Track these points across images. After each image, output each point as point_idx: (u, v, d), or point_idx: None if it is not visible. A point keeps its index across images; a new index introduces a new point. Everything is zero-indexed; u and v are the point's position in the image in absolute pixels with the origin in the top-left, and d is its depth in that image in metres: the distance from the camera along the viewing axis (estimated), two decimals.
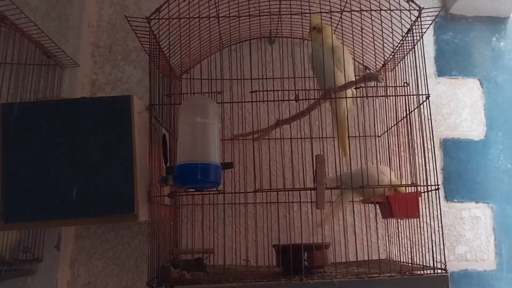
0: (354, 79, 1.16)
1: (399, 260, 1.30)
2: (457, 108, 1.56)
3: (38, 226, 1.21)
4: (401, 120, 1.26)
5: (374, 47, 1.23)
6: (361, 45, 1.22)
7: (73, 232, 1.41)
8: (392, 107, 1.33)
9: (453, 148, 1.53)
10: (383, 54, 1.26)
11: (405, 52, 1.30)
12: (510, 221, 1.49)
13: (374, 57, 1.32)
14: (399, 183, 1.18)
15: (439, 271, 1.04)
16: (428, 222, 1.13)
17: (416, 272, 1.06)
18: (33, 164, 1.00)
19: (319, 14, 1.17)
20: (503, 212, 1.49)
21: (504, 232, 1.48)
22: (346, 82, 1.14)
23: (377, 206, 1.31)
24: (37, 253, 1.33)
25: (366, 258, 1.35)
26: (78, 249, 1.41)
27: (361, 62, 1.49)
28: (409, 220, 1.22)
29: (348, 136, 1.18)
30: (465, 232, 1.48)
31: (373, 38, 1.20)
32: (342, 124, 1.20)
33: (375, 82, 1.15)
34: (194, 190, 1.10)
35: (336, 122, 1.22)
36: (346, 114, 1.20)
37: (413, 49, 1.22)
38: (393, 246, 1.36)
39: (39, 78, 1.43)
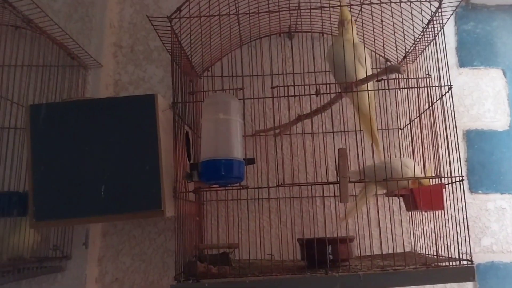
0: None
1: (424, 252, 1.30)
2: (480, 98, 1.55)
3: (67, 223, 1.24)
4: (423, 112, 1.26)
5: (395, 39, 1.23)
6: (381, 37, 1.22)
7: (101, 229, 1.44)
8: (414, 99, 1.32)
9: (476, 139, 1.52)
10: (404, 46, 1.25)
11: (426, 44, 1.29)
12: None
13: (395, 49, 1.31)
14: (423, 175, 1.17)
15: (465, 262, 1.04)
16: (453, 214, 1.12)
17: (441, 263, 1.05)
18: (61, 163, 1.03)
19: (339, 7, 1.18)
20: None
21: None
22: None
23: (401, 199, 1.31)
24: (66, 251, 1.36)
25: (391, 252, 1.35)
26: (105, 246, 1.44)
27: (382, 54, 1.48)
28: (434, 212, 1.21)
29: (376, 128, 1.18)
30: (490, 224, 1.47)
31: (394, 30, 1.20)
32: (367, 117, 1.20)
33: (397, 74, 1.15)
34: (218, 186, 1.12)
35: (359, 116, 1.22)
36: (369, 107, 1.20)
37: (434, 40, 1.22)
38: (418, 238, 1.36)
39: (64, 79, 1.46)
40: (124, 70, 1.57)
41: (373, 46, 1.38)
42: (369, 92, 1.17)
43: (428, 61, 1.26)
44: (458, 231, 1.09)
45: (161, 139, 1.04)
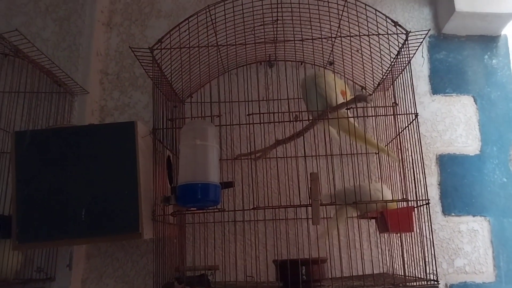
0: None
1: (394, 273, 1.34)
2: (452, 124, 1.61)
3: (49, 245, 1.27)
4: (394, 139, 1.32)
5: (363, 70, 1.30)
6: (357, 66, 1.29)
7: (84, 251, 1.47)
8: (385, 126, 1.38)
9: (449, 163, 1.58)
10: (372, 76, 1.32)
11: (398, 73, 1.35)
12: (507, 233, 1.52)
13: (366, 78, 1.38)
14: (392, 199, 1.22)
15: (431, 282, 1.09)
16: (424, 235, 1.18)
17: (409, 283, 1.10)
18: (44, 187, 1.08)
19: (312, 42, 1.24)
20: (500, 225, 1.53)
21: (502, 245, 1.51)
22: (336, 104, 1.21)
23: (373, 221, 1.36)
24: (50, 272, 1.39)
25: (361, 273, 1.39)
26: (89, 268, 1.47)
27: (358, 82, 1.55)
28: (405, 234, 1.27)
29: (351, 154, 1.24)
30: (463, 245, 1.51)
31: (362, 61, 1.27)
32: (358, 136, 1.27)
33: (365, 103, 1.21)
34: (196, 208, 1.16)
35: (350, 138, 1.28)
36: (353, 127, 1.25)
37: (403, 70, 1.28)
38: (389, 260, 1.40)
39: (51, 105, 1.52)
40: (110, 96, 1.62)
41: (351, 75, 1.45)
42: (340, 119, 1.22)
43: (400, 89, 1.32)
44: (428, 251, 1.14)
45: (140, 164, 1.09)
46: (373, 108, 1.27)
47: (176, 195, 1.10)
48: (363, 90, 1.57)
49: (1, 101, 1.41)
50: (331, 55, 1.46)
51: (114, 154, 1.09)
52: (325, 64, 1.51)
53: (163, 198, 1.11)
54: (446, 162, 1.58)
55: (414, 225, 1.20)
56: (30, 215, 1.06)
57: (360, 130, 1.31)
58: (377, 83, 1.49)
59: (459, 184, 1.56)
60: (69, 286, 1.40)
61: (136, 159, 1.08)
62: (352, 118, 1.29)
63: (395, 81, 1.39)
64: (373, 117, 1.26)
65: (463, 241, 1.52)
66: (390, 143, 1.35)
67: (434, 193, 1.54)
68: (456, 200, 1.55)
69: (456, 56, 1.67)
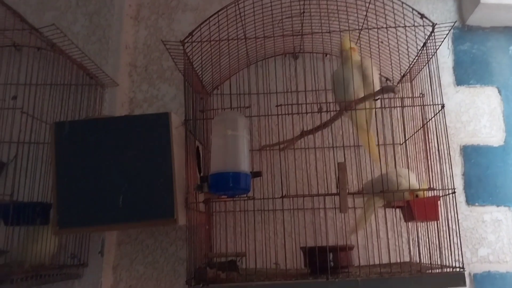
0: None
1: (420, 262, 1.37)
2: (476, 115, 1.62)
3: (88, 231, 1.32)
4: (419, 129, 1.34)
5: (391, 61, 1.31)
6: (381, 58, 1.30)
7: (116, 238, 1.53)
8: (411, 116, 1.40)
9: (473, 154, 1.59)
10: (399, 67, 1.33)
11: (422, 65, 1.37)
12: None
13: (392, 70, 1.40)
14: (419, 188, 1.25)
15: (457, 269, 1.11)
16: (449, 224, 1.20)
17: (435, 271, 1.13)
18: (83, 175, 1.12)
19: (340, 32, 1.27)
20: None
21: None
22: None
23: (397, 210, 1.38)
24: (83, 259, 1.44)
25: (388, 262, 1.42)
26: (120, 255, 1.52)
27: (384, 74, 1.57)
28: (430, 223, 1.29)
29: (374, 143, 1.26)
30: (487, 235, 1.53)
31: (389, 53, 1.29)
32: (365, 133, 1.29)
33: (393, 94, 1.23)
34: (226, 196, 1.20)
35: (357, 132, 1.30)
36: (368, 124, 1.28)
37: (429, 62, 1.30)
38: (415, 249, 1.42)
39: (82, 97, 1.56)
40: (139, 89, 1.67)
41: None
42: (367, 110, 1.25)
43: (425, 80, 1.34)
44: (453, 240, 1.17)
45: (174, 154, 1.13)
46: (399, 99, 1.29)
47: (208, 183, 1.14)
48: (388, 81, 1.58)
49: (34, 93, 1.45)
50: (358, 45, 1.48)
51: (150, 144, 1.13)
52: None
53: (197, 185, 1.15)
54: (470, 153, 1.59)
55: (440, 214, 1.22)
56: (70, 202, 1.11)
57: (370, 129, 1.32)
58: (401, 74, 1.51)
59: (483, 175, 1.57)
60: (101, 272, 1.45)
61: (171, 148, 1.12)
62: (370, 114, 1.31)
63: (419, 73, 1.41)
64: (400, 108, 1.28)
65: (487, 231, 1.53)
66: (417, 133, 1.36)
67: (458, 184, 1.55)
68: (480, 190, 1.56)
69: (480, 47, 1.68)
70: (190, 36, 1.24)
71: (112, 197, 1.10)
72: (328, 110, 1.30)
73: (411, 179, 1.25)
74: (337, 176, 1.16)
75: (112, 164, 1.12)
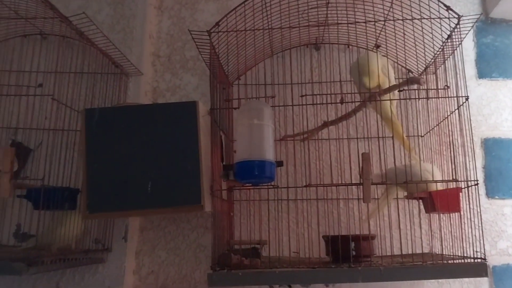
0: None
1: (441, 253, 1.38)
2: (498, 108, 1.62)
3: (117, 216, 1.35)
4: (442, 121, 1.34)
5: (416, 52, 1.32)
6: (404, 50, 1.31)
7: (139, 225, 1.56)
8: (434, 108, 1.41)
9: (494, 147, 1.59)
10: (424, 58, 1.34)
11: (446, 57, 1.37)
12: None
13: (416, 61, 1.40)
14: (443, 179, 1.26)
15: (479, 260, 1.12)
16: (469, 217, 1.21)
17: (456, 261, 1.14)
18: (112, 161, 1.15)
19: (364, 24, 1.27)
20: None
21: None
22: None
23: (421, 202, 1.39)
24: (107, 244, 1.47)
25: (410, 252, 1.43)
26: (143, 241, 1.55)
27: (405, 66, 1.57)
28: (451, 215, 1.30)
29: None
30: (506, 228, 1.53)
31: (415, 44, 1.29)
32: (390, 123, 1.30)
33: (417, 85, 1.24)
34: (250, 184, 1.22)
35: (384, 123, 1.32)
36: (391, 114, 1.29)
37: (453, 54, 1.30)
38: (436, 240, 1.43)
39: (107, 85, 1.59)
40: (162, 78, 1.69)
41: (396, 58, 1.47)
42: (391, 101, 1.26)
43: (448, 72, 1.34)
44: (474, 232, 1.18)
45: (201, 142, 1.15)
46: (424, 91, 1.29)
47: (233, 171, 1.16)
48: (410, 73, 1.59)
49: (61, 81, 1.48)
50: (379, 38, 1.49)
51: (177, 131, 1.15)
52: (372, 47, 1.54)
53: (223, 173, 1.17)
54: (491, 146, 1.59)
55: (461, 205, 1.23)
56: (99, 187, 1.14)
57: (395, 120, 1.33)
58: (424, 66, 1.51)
59: (504, 168, 1.57)
60: (125, 257, 1.48)
61: (198, 136, 1.14)
62: (394, 104, 1.32)
63: (442, 65, 1.41)
64: (424, 100, 1.29)
65: (506, 224, 1.53)
66: (439, 125, 1.37)
67: (478, 176, 1.55)
68: (501, 183, 1.56)
69: (504, 40, 1.67)
70: (217, 26, 1.26)
71: (140, 183, 1.12)
72: (352, 101, 1.31)
73: (435, 174, 1.26)
74: (360, 167, 1.17)
75: (140, 151, 1.15)
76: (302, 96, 1.24)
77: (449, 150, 1.28)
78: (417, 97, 1.38)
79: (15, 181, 1.22)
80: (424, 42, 1.28)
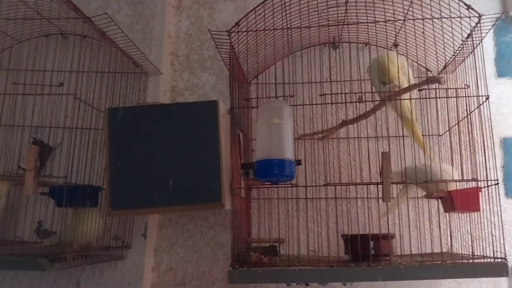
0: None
1: (460, 253, 1.37)
2: None
3: (139, 213, 1.37)
4: (462, 120, 1.34)
5: (436, 51, 1.32)
6: (423, 49, 1.31)
7: (158, 222, 1.57)
8: (453, 107, 1.40)
9: None
10: (444, 57, 1.33)
11: (465, 56, 1.37)
12: None
13: (435, 60, 1.40)
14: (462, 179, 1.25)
15: (499, 260, 1.12)
16: (488, 217, 1.21)
17: (477, 260, 1.13)
18: (135, 159, 1.17)
19: (384, 24, 1.27)
20: None
21: None
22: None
23: (439, 201, 1.39)
24: (126, 241, 1.49)
25: (429, 252, 1.43)
26: (161, 238, 1.57)
27: (424, 64, 1.57)
28: (470, 214, 1.29)
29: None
30: None
31: (435, 43, 1.29)
32: (409, 123, 1.30)
33: (437, 84, 1.23)
34: (270, 183, 1.23)
35: (403, 122, 1.32)
36: (410, 114, 1.29)
37: (473, 52, 1.30)
38: (455, 240, 1.43)
39: (127, 85, 1.61)
40: (180, 77, 1.70)
41: (415, 57, 1.47)
42: (410, 100, 1.26)
43: (467, 71, 1.34)
44: (493, 232, 1.17)
45: (221, 140, 1.16)
46: (444, 90, 1.29)
47: (253, 170, 1.17)
48: (429, 72, 1.58)
49: (81, 80, 1.50)
50: (398, 37, 1.49)
51: (198, 130, 1.17)
52: (391, 46, 1.54)
53: (243, 172, 1.18)
54: (510, 145, 1.58)
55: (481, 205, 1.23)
56: (122, 185, 1.16)
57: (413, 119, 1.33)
58: (442, 65, 1.51)
59: None
60: (144, 253, 1.50)
61: (219, 135, 1.15)
62: (413, 104, 1.32)
63: (461, 64, 1.41)
64: (443, 99, 1.28)
65: None
66: (459, 124, 1.37)
67: (498, 176, 1.54)
68: None
69: None
70: (237, 26, 1.27)
71: (162, 181, 1.14)
72: (370, 100, 1.32)
73: (453, 174, 1.26)
74: (380, 166, 1.17)
75: (162, 149, 1.17)
76: (321, 95, 1.25)
77: (468, 149, 1.28)
78: (436, 96, 1.38)
79: (39, 178, 1.24)
80: (444, 41, 1.27)
